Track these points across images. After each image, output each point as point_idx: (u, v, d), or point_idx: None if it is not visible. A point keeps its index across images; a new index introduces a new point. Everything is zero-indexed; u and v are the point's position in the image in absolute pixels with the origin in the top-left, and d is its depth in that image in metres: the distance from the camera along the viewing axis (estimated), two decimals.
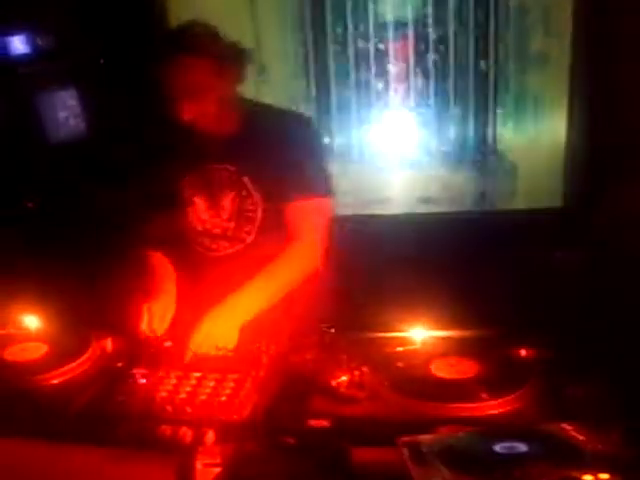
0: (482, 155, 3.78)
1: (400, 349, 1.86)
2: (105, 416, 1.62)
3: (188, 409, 1.62)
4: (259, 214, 2.19)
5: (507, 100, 3.67)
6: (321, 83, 3.75)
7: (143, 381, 1.75)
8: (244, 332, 1.99)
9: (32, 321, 2.07)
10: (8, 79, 3.49)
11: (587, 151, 3.52)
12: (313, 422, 1.54)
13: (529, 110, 3.67)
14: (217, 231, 2.25)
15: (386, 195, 3.88)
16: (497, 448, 1.29)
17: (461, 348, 1.81)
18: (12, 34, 3.51)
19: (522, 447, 1.29)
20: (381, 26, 3.63)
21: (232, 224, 2.23)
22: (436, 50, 3.65)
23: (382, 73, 3.70)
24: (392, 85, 3.72)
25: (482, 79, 3.65)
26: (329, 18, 3.64)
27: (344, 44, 3.67)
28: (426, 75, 3.69)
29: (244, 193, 2.18)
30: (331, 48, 3.69)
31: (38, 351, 1.94)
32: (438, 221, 3.82)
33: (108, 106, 3.51)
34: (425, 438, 1.37)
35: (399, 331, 1.92)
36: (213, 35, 2.04)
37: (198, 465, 1.41)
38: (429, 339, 1.87)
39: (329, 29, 3.66)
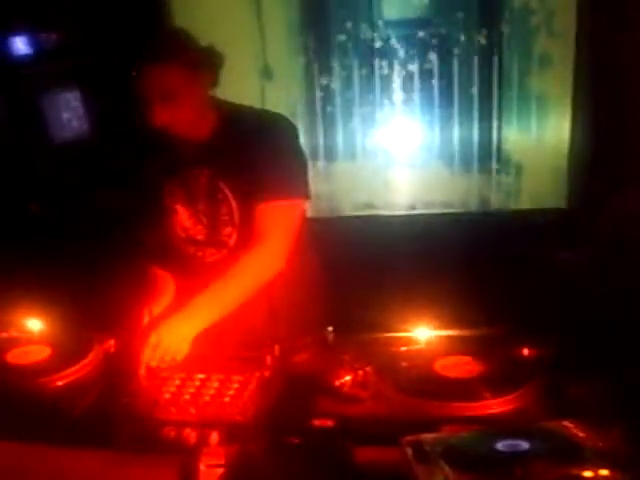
0: (487, 156, 3.78)
1: (403, 349, 1.86)
2: (109, 418, 1.62)
3: (192, 410, 1.63)
4: (236, 217, 2.15)
5: (511, 101, 3.67)
6: (325, 85, 3.76)
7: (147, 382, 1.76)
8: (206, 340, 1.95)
9: (35, 324, 2.07)
10: (11, 80, 3.50)
11: (591, 152, 3.52)
12: (317, 422, 1.54)
13: (533, 111, 3.67)
14: (200, 237, 2.22)
15: (389, 195, 3.88)
16: (499, 446, 1.29)
17: (464, 347, 1.82)
18: (15, 35, 3.52)
19: (524, 445, 1.29)
20: (386, 26, 3.64)
21: (211, 229, 2.20)
22: (440, 51, 3.65)
23: (386, 74, 3.71)
24: (396, 86, 3.72)
25: (487, 80, 3.65)
26: (332, 19, 3.65)
27: (348, 45, 3.68)
28: (430, 76, 3.69)
29: (220, 197, 2.15)
30: (335, 49, 3.70)
31: (42, 354, 1.94)
32: (442, 222, 3.83)
33: (111, 107, 3.51)
34: (428, 437, 1.37)
35: (402, 331, 1.92)
36: (184, 41, 2.02)
37: (202, 466, 1.41)
38: (432, 339, 1.87)
39: (332, 30, 3.67)
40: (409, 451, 1.32)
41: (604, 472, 1.18)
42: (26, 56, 3.54)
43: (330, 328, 1.88)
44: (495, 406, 1.57)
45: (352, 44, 3.68)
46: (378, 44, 3.67)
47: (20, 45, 3.51)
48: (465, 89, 3.69)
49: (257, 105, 2.37)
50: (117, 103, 3.40)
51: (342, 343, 1.84)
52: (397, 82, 3.72)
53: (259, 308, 2.16)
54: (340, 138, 3.83)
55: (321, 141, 3.80)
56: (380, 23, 3.64)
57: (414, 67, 3.69)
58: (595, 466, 1.20)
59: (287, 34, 3.70)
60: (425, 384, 1.67)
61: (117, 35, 3.32)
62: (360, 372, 1.67)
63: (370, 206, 3.90)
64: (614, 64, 3.27)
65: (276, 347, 1.85)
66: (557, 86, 3.61)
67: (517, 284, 3.25)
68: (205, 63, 2.03)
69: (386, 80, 3.72)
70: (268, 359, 1.80)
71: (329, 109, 3.79)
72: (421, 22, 3.63)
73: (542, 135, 3.70)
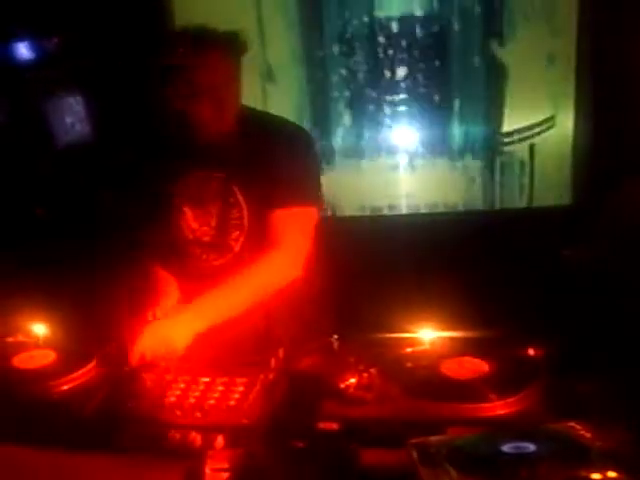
0: (490, 153, 3.77)
1: (408, 350, 1.86)
2: (114, 421, 1.62)
3: (197, 414, 1.62)
4: (246, 222, 2.16)
5: (515, 98, 3.67)
6: (325, 85, 3.76)
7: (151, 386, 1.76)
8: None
9: (41, 329, 2.07)
10: (14, 85, 3.51)
11: (596, 149, 3.51)
12: (322, 425, 1.54)
13: (537, 108, 3.66)
14: (206, 239, 2.22)
15: (391, 195, 3.87)
16: (505, 448, 1.29)
17: (469, 348, 1.81)
18: (17, 40, 3.52)
19: (530, 447, 1.28)
20: (386, 22, 3.63)
21: (219, 232, 2.20)
22: (442, 48, 3.65)
23: (388, 74, 3.70)
24: (398, 85, 3.72)
25: (490, 78, 3.65)
26: (332, 17, 3.65)
27: (348, 42, 3.67)
28: (432, 73, 3.69)
29: (232, 200, 2.15)
30: (335, 47, 3.69)
31: (47, 358, 1.95)
32: (446, 220, 3.82)
33: (113, 110, 3.52)
34: (433, 439, 1.37)
35: (407, 332, 1.91)
36: (215, 31, 2.04)
37: (207, 470, 1.41)
38: (437, 340, 1.87)
39: (332, 29, 3.67)
40: (414, 453, 1.32)
41: (611, 474, 1.18)
42: (28, 61, 3.55)
43: (335, 336, 1.87)
44: (501, 407, 1.56)
45: (352, 44, 3.68)
46: (379, 44, 3.66)
47: (22, 50, 3.52)
48: (469, 87, 3.68)
49: (257, 106, 2.37)
50: (119, 106, 3.42)
51: (347, 345, 1.84)
52: (399, 81, 3.71)
53: (265, 312, 2.16)
54: (339, 138, 3.82)
55: (323, 141, 3.79)
56: (381, 22, 3.63)
57: (416, 66, 3.68)
58: (602, 468, 1.19)
59: (287, 34, 3.70)
60: (430, 386, 1.66)
61: (118, 38, 3.33)
62: (365, 374, 1.67)
63: (373, 206, 3.89)
64: (617, 62, 3.27)
65: (280, 350, 1.84)
66: (560, 83, 3.60)
67: (521, 282, 3.24)
68: (242, 48, 2.07)
69: (388, 79, 3.71)
70: (272, 362, 1.80)
71: (331, 109, 3.79)
72: (422, 18, 3.62)
73: (546, 132, 3.69)
